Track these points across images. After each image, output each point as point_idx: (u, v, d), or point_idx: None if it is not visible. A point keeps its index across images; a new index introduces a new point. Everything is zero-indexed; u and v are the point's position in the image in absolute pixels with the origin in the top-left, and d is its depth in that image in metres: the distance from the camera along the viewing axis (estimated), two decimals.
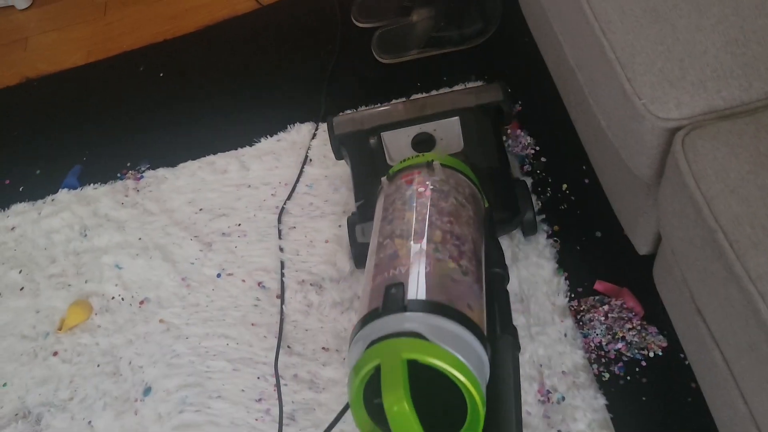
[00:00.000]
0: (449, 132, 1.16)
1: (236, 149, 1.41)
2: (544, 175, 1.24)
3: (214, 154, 1.42)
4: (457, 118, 1.16)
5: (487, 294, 0.82)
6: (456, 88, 1.36)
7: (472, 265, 0.82)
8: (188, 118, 1.51)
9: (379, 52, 1.47)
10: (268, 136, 1.41)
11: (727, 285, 0.60)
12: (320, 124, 1.41)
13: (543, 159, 1.26)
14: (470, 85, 1.37)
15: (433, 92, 1.37)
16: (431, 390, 0.71)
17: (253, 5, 1.72)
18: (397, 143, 1.17)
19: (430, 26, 1.43)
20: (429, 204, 0.90)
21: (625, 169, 0.87)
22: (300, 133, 1.40)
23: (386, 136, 1.17)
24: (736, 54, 0.69)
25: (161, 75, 1.62)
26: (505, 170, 1.14)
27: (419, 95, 1.38)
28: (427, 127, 1.16)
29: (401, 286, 0.78)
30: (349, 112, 1.26)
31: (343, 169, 1.31)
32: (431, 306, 0.76)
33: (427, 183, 0.94)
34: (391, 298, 0.78)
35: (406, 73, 1.45)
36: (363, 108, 1.33)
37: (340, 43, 1.53)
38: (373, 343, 0.73)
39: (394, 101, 1.32)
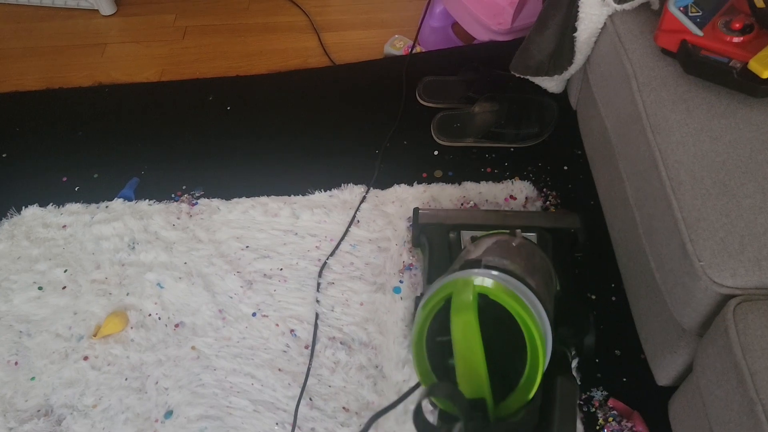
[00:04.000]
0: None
1: (289, 196, 1.49)
2: (575, 281, 1.32)
3: (267, 195, 1.50)
4: (534, 234, 1.23)
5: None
6: (536, 211, 1.41)
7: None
8: (247, 156, 1.59)
9: (438, 132, 1.57)
10: (321, 190, 1.49)
11: None
12: (371, 189, 1.49)
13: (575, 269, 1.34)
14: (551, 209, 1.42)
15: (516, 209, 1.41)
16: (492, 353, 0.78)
17: (325, 61, 1.82)
18: None
19: (490, 120, 1.53)
20: (511, 243, 1.02)
21: (662, 308, 0.95)
22: (352, 193, 1.48)
23: (465, 234, 1.26)
24: None
25: (228, 108, 1.70)
26: (573, 291, 1.20)
27: (501, 210, 1.41)
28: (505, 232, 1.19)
29: (480, 261, 0.90)
30: (432, 209, 1.36)
31: (385, 233, 1.39)
32: (506, 270, 0.87)
33: (510, 239, 1.05)
34: (469, 262, 0.90)
35: (458, 157, 1.54)
36: (446, 208, 1.42)
37: (401, 116, 1.62)
38: None
39: (479, 208, 1.42)
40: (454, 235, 1.26)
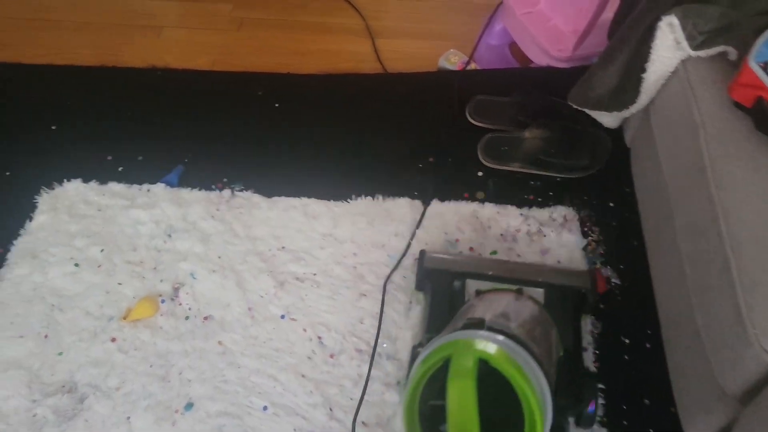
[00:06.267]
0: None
1: (329, 200, 1.49)
2: (609, 321, 1.29)
3: (308, 197, 1.49)
4: (542, 290, 1.19)
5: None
6: (546, 265, 1.35)
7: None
8: (291, 154, 1.58)
9: (484, 154, 1.55)
10: (363, 196, 1.49)
11: None
12: (414, 200, 1.48)
13: (602, 306, 1.31)
14: (562, 265, 1.35)
15: (525, 260, 1.36)
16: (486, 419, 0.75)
17: (377, 68, 1.82)
18: None
19: (539, 147, 1.51)
20: (517, 303, 0.99)
21: (704, 367, 0.93)
22: (396, 204, 1.47)
23: (471, 283, 1.22)
24: None
25: (276, 105, 1.70)
26: (577, 357, 1.17)
27: (511, 261, 1.35)
28: (512, 289, 1.19)
29: (483, 320, 0.88)
30: (440, 252, 1.33)
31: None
32: (510, 335, 0.84)
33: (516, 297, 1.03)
34: (471, 321, 0.88)
35: (502, 181, 1.52)
36: (455, 252, 1.37)
37: (449, 133, 1.61)
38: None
39: (485, 256, 1.36)
40: (458, 283, 1.22)
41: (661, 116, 1.11)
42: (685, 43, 1.03)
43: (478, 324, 0.89)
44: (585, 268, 1.33)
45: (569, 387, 1.05)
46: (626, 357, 1.25)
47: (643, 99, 1.16)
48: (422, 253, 1.29)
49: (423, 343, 1.18)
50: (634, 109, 1.21)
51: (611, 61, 1.21)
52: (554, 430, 0.91)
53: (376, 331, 1.28)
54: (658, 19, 1.05)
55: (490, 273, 1.23)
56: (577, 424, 1.12)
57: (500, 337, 0.85)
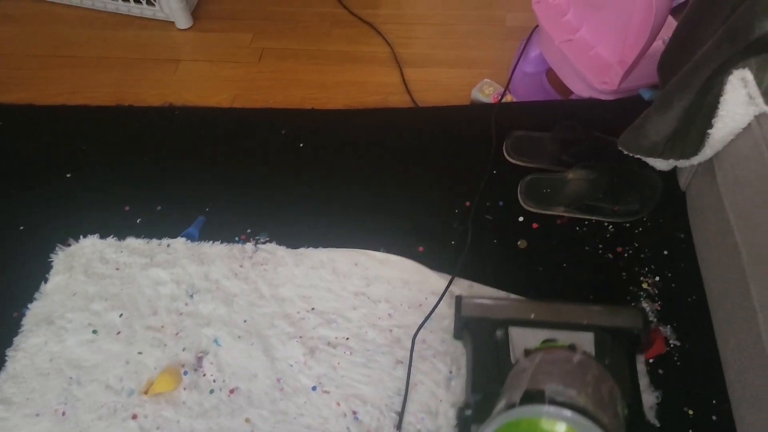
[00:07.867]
0: (581, 347, 1.11)
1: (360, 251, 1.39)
2: (669, 390, 1.18)
3: (336, 248, 1.39)
4: (591, 334, 1.12)
5: None
6: (593, 305, 1.22)
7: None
8: (318, 202, 1.49)
9: (525, 197, 1.44)
10: (397, 250, 1.38)
11: None
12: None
13: (660, 372, 1.20)
14: (609, 305, 1.25)
15: (568, 303, 1.24)
16: None
17: (407, 101, 1.71)
18: (525, 342, 1.12)
19: (585, 190, 1.40)
20: (572, 361, 0.96)
21: None
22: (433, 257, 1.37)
23: (514, 331, 1.15)
24: None
25: (301, 145, 1.61)
26: (637, 407, 1.09)
27: (554, 303, 1.23)
28: (558, 335, 1.12)
29: (542, 392, 0.86)
30: (477, 297, 1.25)
31: None
32: (575, 407, 0.83)
33: (570, 356, 0.99)
34: (529, 394, 0.86)
35: (546, 227, 1.41)
36: (494, 297, 1.29)
37: (486, 173, 1.50)
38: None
39: (526, 299, 1.27)
40: (501, 332, 1.15)
41: (730, 175, 0.99)
42: (760, 99, 0.91)
43: (538, 397, 0.87)
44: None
45: None
46: (691, 430, 1.13)
47: (707, 153, 1.05)
48: (458, 299, 1.22)
49: (470, 404, 1.10)
50: (695, 161, 1.09)
51: (669, 107, 1.09)
52: None
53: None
54: (727, 72, 0.94)
55: (533, 317, 1.17)
56: None
57: (567, 413, 0.83)
